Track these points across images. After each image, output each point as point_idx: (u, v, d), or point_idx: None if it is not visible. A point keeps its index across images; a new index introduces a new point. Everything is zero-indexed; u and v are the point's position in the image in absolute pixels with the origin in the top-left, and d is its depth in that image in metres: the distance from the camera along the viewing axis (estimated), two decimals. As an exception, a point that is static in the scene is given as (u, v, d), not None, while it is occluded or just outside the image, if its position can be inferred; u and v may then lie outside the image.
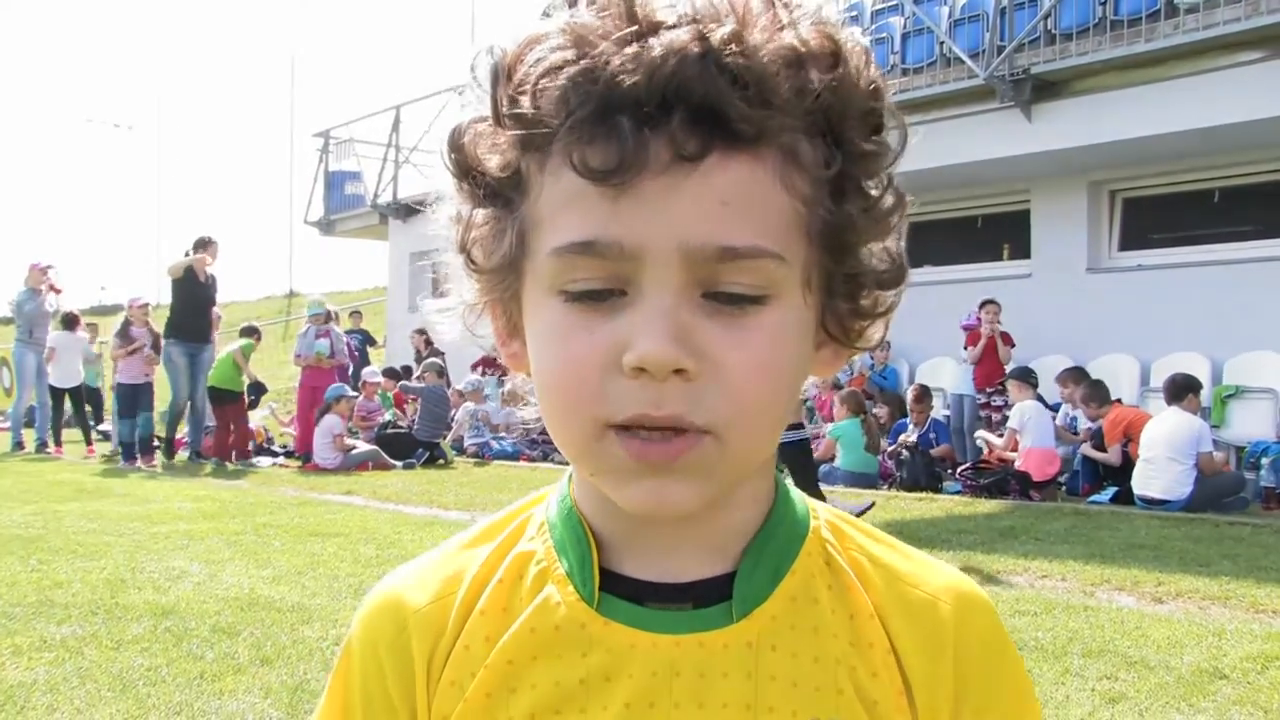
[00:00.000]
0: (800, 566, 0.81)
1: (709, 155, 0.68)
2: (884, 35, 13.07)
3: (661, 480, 0.72)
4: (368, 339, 19.18)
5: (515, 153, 0.73)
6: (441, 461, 13.13)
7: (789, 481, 0.88)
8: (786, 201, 0.71)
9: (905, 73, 12.41)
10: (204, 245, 13.19)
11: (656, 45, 0.67)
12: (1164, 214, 12.49)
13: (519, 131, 0.72)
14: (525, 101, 0.70)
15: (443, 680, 0.81)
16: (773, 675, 0.77)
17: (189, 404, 13.21)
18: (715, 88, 0.67)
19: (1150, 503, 8.61)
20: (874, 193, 0.76)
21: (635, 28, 0.69)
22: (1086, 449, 10.09)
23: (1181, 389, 9.01)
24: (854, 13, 14.67)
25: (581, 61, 0.69)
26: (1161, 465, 8.67)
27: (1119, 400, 10.27)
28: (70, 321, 15.86)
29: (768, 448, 0.79)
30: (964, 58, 11.57)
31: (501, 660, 0.79)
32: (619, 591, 0.80)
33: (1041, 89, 11.19)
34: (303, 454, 13.34)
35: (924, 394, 11.56)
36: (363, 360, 18.03)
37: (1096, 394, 10.03)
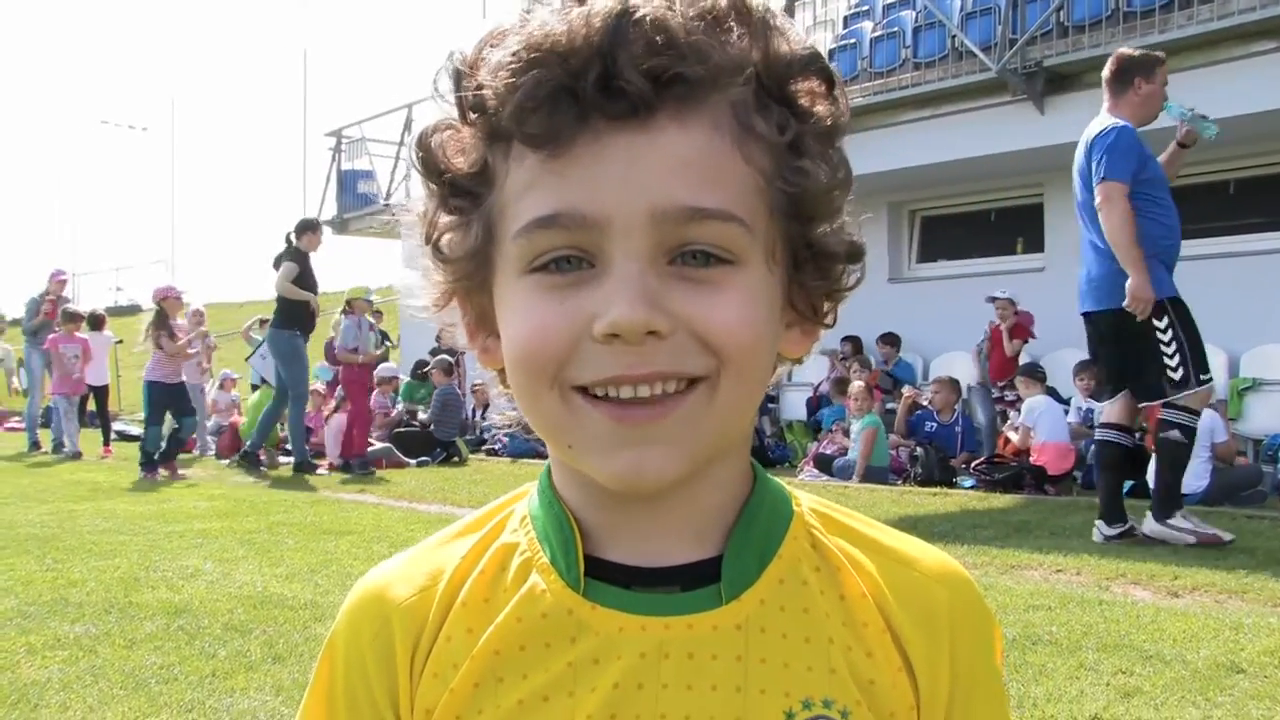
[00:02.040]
0: (786, 550, 0.82)
1: (641, 113, 0.70)
2: (895, 29, 13.05)
3: (641, 449, 0.73)
4: (385, 337, 19.20)
5: (481, 148, 0.76)
6: (456, 459, 13.13)
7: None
8: (747, 172, 0.74)
9: (917, 67, 12.38)
10: (310, 228, 12.17)
11: (580, 11, 0.71)
12: (1179, 206, 12.34)
13: (482, 124, 0.75)
14: (486, 92, 0.73)
15: (425, 673, 0.81)
16: (763, 657, 0.78)
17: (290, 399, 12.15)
18: (629, 41, 0.69)
19: (1166, 496, 8.55)
20: (830, 163, 0.78)
21: (575, 4, 0.72)
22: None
23: None
24: (866, 6, 14.66)
25: (521, 39, 0.72)
26: None
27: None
28: (97, 321, 15.83)
29: (749, 412, 0.80)
30: (976, 51, 11.52)
31: (487, 650, 0.79)
32: (605, 577, 0.80)
33: (1054, 82, 11.14)
34: (346, 459, 12.15)
35: (953, 385, 11.46)
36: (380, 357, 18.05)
37: None
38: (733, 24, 0.73)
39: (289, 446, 14.20)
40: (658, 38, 0.69)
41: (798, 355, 0.85)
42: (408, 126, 19.52)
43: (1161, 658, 3.95)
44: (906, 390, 11.59)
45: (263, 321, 16.29)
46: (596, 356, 0.71)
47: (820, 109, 0.77)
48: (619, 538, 0.81)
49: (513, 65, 0.71)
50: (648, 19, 0.69)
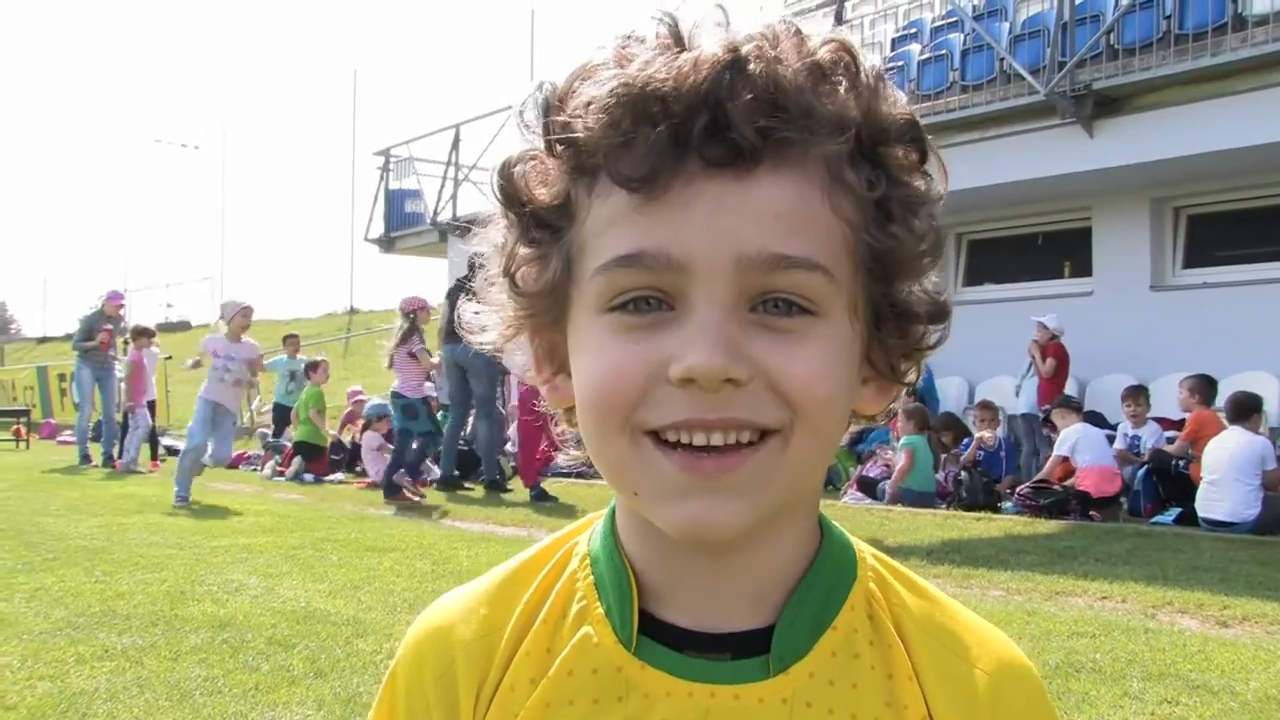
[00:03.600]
0: (843, 621, 0.80)
1: (739, 162, 0.69)
2: (944, 52, 13.01)
3: (709, 499, 0.72)
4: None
5: (566, 181, 0.75)
6: (499, 478, 13.12)
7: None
8: (835, 223, 0.73)
9: (965, 89, 12.34)
10: None
11: (687, 57, 0.70)
12: (1229, 230, 12.27)
13: (569, 157, 0.74)
14: (576, 126, 0.72)
15: (488, 718, 0.81)
16: None
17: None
18: (739, 93, 0.68)
19: (1216, 525, 8.43)
20: (918, 228, 0.77)
21: (673, 45, 0.71)
22: (1150, 436, 9.92)
23: (1245, 409, 8.82)
24: (914, 29, 14.63)
25: (623, 79, 0.70)
26: (1227, 487, 8.48)
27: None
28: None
29: (821, 467, 0.79)
30: (1024, 74, 11.46)
31: (539, 702, 0.79)
32: (658, 637, 0.79)
33: (1103, 105, 11.06)
34: (532, 486, 10.72)
35: (989, 408, 11.37)
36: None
37: (1203, 388, 9.69)
38: (840, 78, 0.73)
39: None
40: (768, 94, 0.69)
41: (873, 412, 0.83)
42: (455, 146, 19.71)
43: (1209, 688, 3.89)
44: (980, 435, 11.44)
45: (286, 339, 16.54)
46: (669, 399, 0.70)
47: (912, 179, 0.76)
48: (677, 596, 0.80)
49: (610, 104, 0.70)
50: (759, 73, 0.69)
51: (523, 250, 0.78)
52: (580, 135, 0.72)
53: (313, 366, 14.89)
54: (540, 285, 0.77)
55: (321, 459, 13.90)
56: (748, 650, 0.78)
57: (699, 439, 0.71)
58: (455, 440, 12.12)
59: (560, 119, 0.73)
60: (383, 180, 21.53)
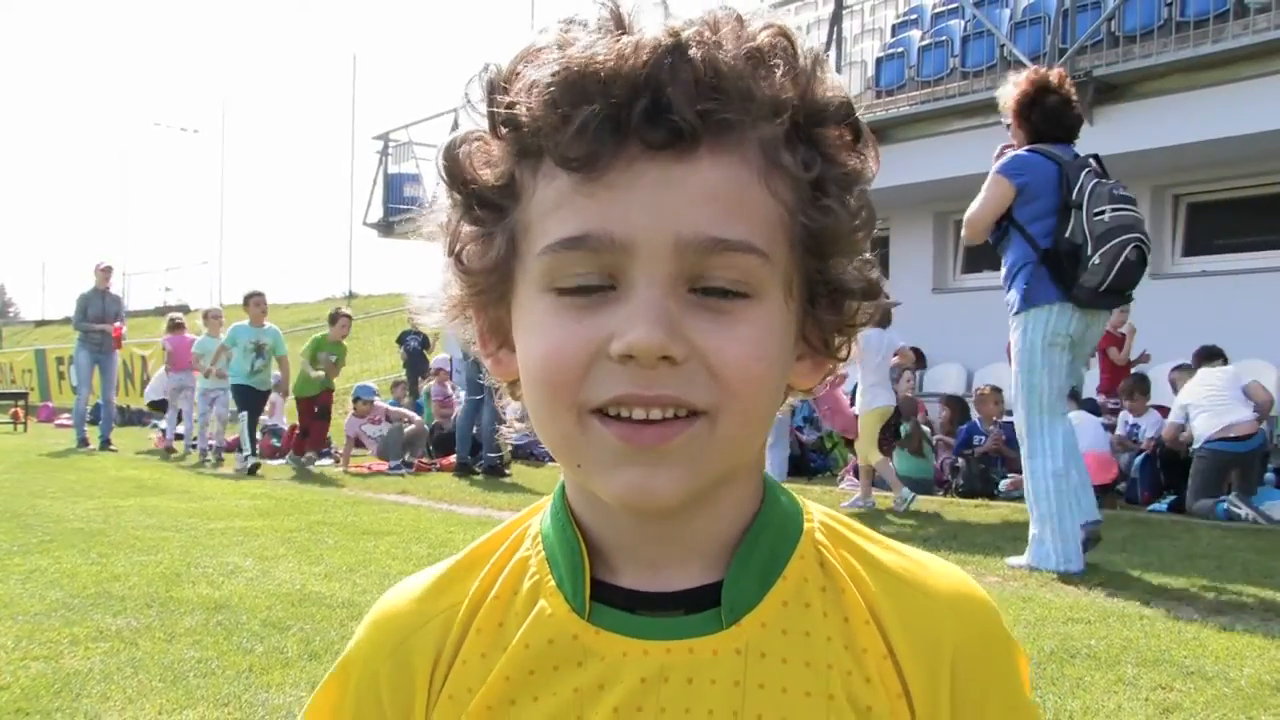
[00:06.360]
0: (792, 570, 0.82)
1: (680, 145, 0.71)
2: (944, 38, 12.97)
3: (648, 468, 0.74)
4: (425, 341, 19.35)
5: (510, 162, 0.76)
6: (498, 462, 13.13)
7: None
8: (772, 205, 0.75)
9: (965, 76, 12.30)
10: None
11: (628, 40, 0.71)
12: (1230, 218, 12.26)
13: (513, 139, 0.75)
14: (520, 109, 0.74)
15: (442, 695, 0.83)
16: (761, 683, 0.78)
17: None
18: (679, 76, 0.70)
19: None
20: (851, 206, 0.79)
21: (615, 27, 0.73)
22: (1151, 426, 9.96)
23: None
24: (914, 15, 14.58)
25: (564, 61, 0.72)
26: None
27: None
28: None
29: (755, 441, 0.80)
30: (1025, 61, 11.39)
31: (500, 676, 0.81)
32: (611, 601, 0.81)
33: (1104, 92, 11.03)
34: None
35: (997, 396, 11.38)
36: (421, 361, 18.20)
37: (1196, 363, 9.75)
38: (777, 62, 0.74)
39: (329, 450, 14.27)
40: (708, 77, 0.71)
41: (808, 386, 0.85)
42: (454, 130, 19.66)
43: (1203, 674, 3.89)
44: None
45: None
46: (610, 375, 0.72)
47: (846, 159, 0.78)
48: (628, 560, 0.82)
49: (552, 86, 0.71)
50: (698, 57, 0.71)
51: (467, 229, 0.80)
52: (523, 118, 0.73)
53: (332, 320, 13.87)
54: (485, 263, 0.79)
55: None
56: (700, 606, 0.80)
57: (638, 414, 0.73)
58: (470, 426, 12.19)
59: (504, 102, 0.75)
60: (382, 164, 21.54)
